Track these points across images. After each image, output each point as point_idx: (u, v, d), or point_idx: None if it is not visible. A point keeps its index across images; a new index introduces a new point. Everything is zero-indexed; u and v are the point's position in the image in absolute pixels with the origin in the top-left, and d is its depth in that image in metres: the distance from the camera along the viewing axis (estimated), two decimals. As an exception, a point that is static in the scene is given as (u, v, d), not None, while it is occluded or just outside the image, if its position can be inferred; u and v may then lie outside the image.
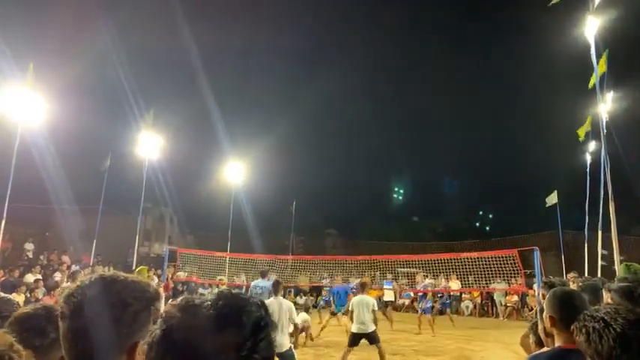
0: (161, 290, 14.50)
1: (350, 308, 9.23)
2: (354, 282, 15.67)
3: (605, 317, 1.59)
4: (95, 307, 1.11)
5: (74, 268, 16.03)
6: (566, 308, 2.37)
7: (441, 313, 16.30)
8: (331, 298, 13.99)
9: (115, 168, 19.57)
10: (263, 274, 11.01)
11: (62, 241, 22.91)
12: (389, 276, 16.92)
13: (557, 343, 2.40)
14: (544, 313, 2.52)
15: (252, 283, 10.87)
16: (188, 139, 29.99)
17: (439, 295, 15.88)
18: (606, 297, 4.75)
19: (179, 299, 0.85)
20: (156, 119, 17.22)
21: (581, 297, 2.48)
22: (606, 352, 1.53)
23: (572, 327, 1.80)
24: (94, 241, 17.94)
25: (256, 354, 0.75)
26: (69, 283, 9.55)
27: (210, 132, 29.58)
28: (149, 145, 16.57)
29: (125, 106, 17.65)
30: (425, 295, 14.54)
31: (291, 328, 8.66)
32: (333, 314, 13.37)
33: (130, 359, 1.14)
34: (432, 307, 14.66)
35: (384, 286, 16.75)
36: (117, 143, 19.41)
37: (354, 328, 8.80)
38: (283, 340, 6.93)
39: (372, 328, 8.70)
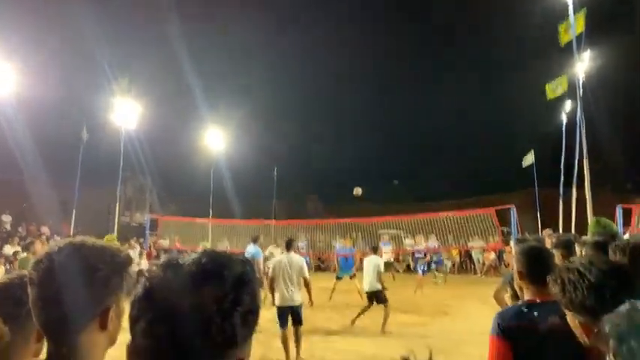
0: (144, 258, 14.54)
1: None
2: (338, 244, 15.95)
3: (580, 268, 1.63)
4: (64, 273, 1.10)
5: (55, 238, 15.90)
6: (533, 263, 2.44)
7: (437, 270, 16.65)
8: (336, 262, 14.20)
9: (92, 137, 19.17)
10: (254, 240, 11.12)
11: (40, 212, 22.60)
12: (385, 237, 17.07)
13: (526, 297, 2.47)
14: (513, 268, 2.61)
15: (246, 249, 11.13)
16: (166, 106, 29.40)
17: (434, 254, 16.19)
18: (579, 251, 4.95)
19: (162, 258, 0.86)
20: (132, 86, 16.82)
21: (547, 252, 2.54)
22: (580, 302, 1.58)
23: (547, 279, 1.87)
24: (74, 211, 17.74)
25: (239, 307, 0.76)
26: (25, 254, 9.50)
27: (189, 98, 28.99)
28: (126, 113, 16.24)
29: (100, 73, 17.14)
30: (424, 255, 14.92)
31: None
32: (339, 278, 13.49)
33: (102, 324, 1.14)
34: (429, 268, 15.12)
35: (382, 247, 17.02)
36: (93, 112, 18.94)
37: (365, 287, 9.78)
38: (294, 295, 7.12)
39: (375, 287, 9.52)
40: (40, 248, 9.25)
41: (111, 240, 10.79)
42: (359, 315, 9.70)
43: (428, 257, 15.41)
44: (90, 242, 1.21)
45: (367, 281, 9.71)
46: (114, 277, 1.17)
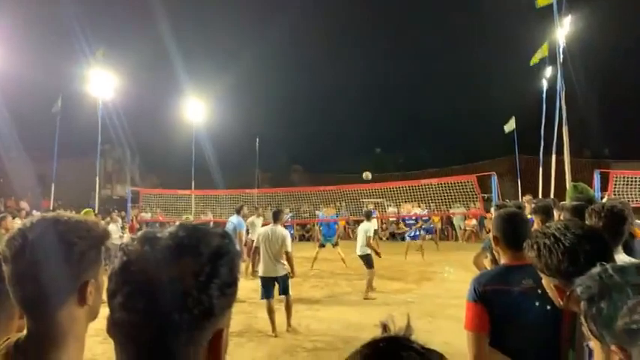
0: (127, 231, 14.44)
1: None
2: (321, 213, 16.03)
3: (556, 233, 1.66)
4: (38, 250, 1.09)
5: (35, 213, 15.65)
6: (508, 228, 2.48)
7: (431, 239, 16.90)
8: (318, 229, 14.27)
9: (68, 110, 18.72)
10: (238, 210, 11.08)
11: (19, 187, 22.22)
12: (370, 206, 17.25)
13: (502, 261, 2.52)
14: (490, 234, 2.66)
15: (229, 220, 11.14)
16: (144, 76, 28.76)
17: (424, 220, 16.37)
18: (557, 215, 5.03)
19: (139, 233, 0.85)
20: (109, 56, 16.38)
21: (522, 217, 2.58)
22: (555, 266, 1.61)
23: (524, 244, 1.89)
24: (52, 185, 17.46)
25: (216, 279, 0.76)
26: None
27: (168, 68, 28.39)
28: (102, 84, 15.84)
29: (75, 44, 16.56)
30: (416, 222, 15.09)
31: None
32: (322, 246, 13.60)
33: (81, 299, 1.13)
34: (419, 234, 15.37)
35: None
36: (67, 84, 18.43)
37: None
38: (277, 266, 7.18)
39: (364, 251, 9.83)
40: (10, 224, 9.14)
41: (88, 214, 10.69)
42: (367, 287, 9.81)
43: (419, 223, 15.61)
44: (64, 217, 1.19)
45: (358, 246, 9.98)
46: (90, 251, 1.16)
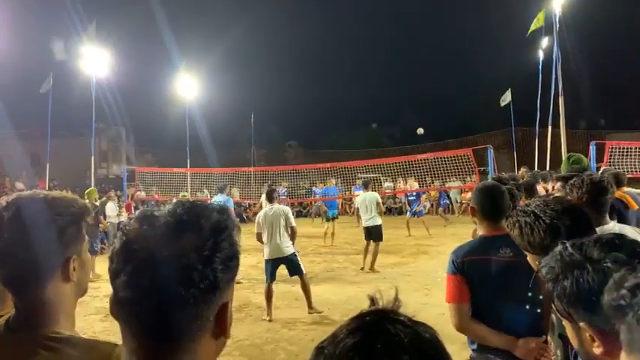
0: (123, 210, 14.43)
1: (356, 206, 10.02)
2: (317, 188, 16.06)
3: (535, 210, 1.67)
4: (16, 228, 1.08)
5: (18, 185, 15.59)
6: (484, 200, 2.55)
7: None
8: (321, 205, 14.24)
9: (60, 88, 18.46)
10: (221, 190, 10.96)
11: (13, 167, 22.09)
12: (358, 182, 17.34)
13: (480, 232, 2.58)
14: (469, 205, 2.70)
15: (213, 200, 10.87)
16: (137, 53, 28.39)
17: (411, 200, 16.41)
18: (552, 187, 5.05)
19: (137, 212, 0.85)
20: (100, 32, 16.06)
21: (499, 190, 2.60)
22: (538, 243, 1.62)
23: (505, 223, 1.91)
24: (47, 165, 17.35)
25: (218, 253, 0.77)
26: None
27: (160, 44, 28.00)
28: (95, 61, 15.58)
29: (66, 19, 16.21)
30: (418, 198, 15.14)
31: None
32: (329, 220, 13.55)
33: (64, 276, 1.13)
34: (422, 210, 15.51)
35: (354, 192, 17.26)
36: (59, 61, 18.11)
37: (364, 223, 9.85)
38: (282, 245, 6.88)
39: (375, 222, 9.70)
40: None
41: (92, 193, 10.64)
42: (365, 258, 9.80)
43: (422, 199, 15.74)
44: (41, 194, 1.18)
45: (367, 217, 9.79)
46: (70, 227, 1.15)
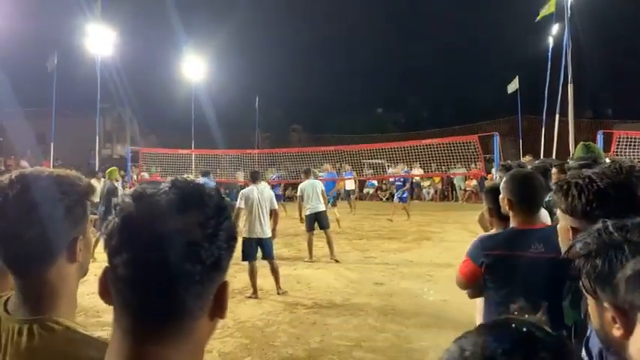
0: (127, 190, 14.47)
1: (299, 193, 9.77)
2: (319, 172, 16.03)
3: (592, 175, 1.59)
4: (21, 206, 1.04)
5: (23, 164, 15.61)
6: (524, 190, 2.34)
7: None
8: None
9: (65, 66, 18.38)
10: (205, 174, 10.90)
11: (18, 145, 22.14)
12: (347, 167, 17.45)
13: (512, 224, 2.39)
14: (500, 196, 2.46)
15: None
16: (143, 32, 28.21)
17: (398, 185, 16.41)
18: (556, 178, 4.98)
19: (132, 189, 0.82)
20: (106, 11, 15.95)
21: (538, 178, 2.43)
22: (582, 206, 1.54)
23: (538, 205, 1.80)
24: (52, 144, 17.35)
25: (222, 231, 0.76)
26: None
27: (166, 24, 27.74)
28: (100, 40, 15.49)
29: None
30: (403, 184, 15.09)
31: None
32: (334, 205, 13.50)
33: (70, 257, 1.10)
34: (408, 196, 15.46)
35: (344, 177, 17.32)
36: (64, 39, 18.03)
37: (307, 211, 9.47)
38: (265, 228, 7.03)
39: (322, 208, 9.48)
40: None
41: (113, 172, 10.45)
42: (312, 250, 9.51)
43: (407, 186, 15.57)
44: (46, 172, 1.14)
45: (319, 203, 9.52)
46: (76, 207, 1.11)
